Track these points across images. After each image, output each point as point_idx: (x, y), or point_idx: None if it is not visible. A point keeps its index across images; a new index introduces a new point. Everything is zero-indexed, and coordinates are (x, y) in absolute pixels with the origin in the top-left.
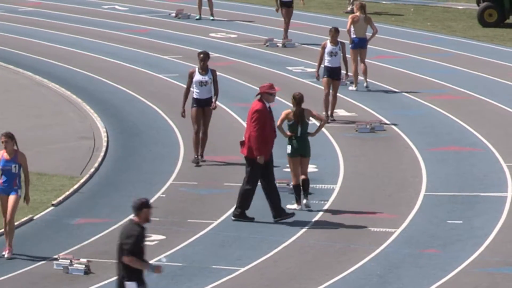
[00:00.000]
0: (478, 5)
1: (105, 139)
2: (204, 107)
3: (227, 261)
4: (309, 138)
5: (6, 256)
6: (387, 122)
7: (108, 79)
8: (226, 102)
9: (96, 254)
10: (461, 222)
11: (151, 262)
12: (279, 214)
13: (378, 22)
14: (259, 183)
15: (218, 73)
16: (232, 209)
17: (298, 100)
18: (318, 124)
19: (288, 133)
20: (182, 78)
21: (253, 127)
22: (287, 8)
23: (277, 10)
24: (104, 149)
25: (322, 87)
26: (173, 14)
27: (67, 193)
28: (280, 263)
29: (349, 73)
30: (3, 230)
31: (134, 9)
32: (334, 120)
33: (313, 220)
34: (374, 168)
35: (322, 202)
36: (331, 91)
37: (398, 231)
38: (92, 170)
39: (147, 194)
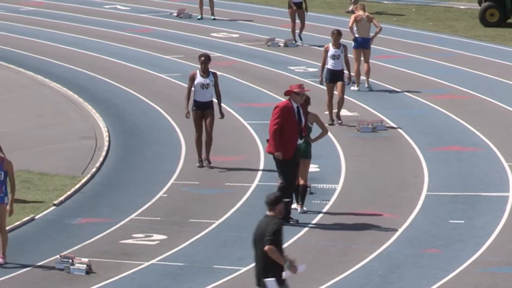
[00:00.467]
0: (480, 5)
1: (107, 139)
2: (204, 110)
3: (228, 261)
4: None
5: None
6: (389, 122)
7: (109, 79)
8: (228, 102)
9: (97, 254)
10: (462, 222)
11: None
12: (284, 217)
13: (380, 22)
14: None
15: (219, 73)
16: (233, 209)
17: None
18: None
19: None
20: (184, 78)
21: (271, 122)
22: (298, 9)
23: (292, 12)
24: (105, 149)
25: (324, 87)
26: (175, 14)
27: (69, 193)
28: None
29: (352, 73)
30: None
31: (135, 9)
32: (341, 122)
33: (314, 220)
34: (375, 168)
35: (324, 202)
36: (336, 92)
37: (400, 231)
38: (94, 170)
39: (148, 194)
